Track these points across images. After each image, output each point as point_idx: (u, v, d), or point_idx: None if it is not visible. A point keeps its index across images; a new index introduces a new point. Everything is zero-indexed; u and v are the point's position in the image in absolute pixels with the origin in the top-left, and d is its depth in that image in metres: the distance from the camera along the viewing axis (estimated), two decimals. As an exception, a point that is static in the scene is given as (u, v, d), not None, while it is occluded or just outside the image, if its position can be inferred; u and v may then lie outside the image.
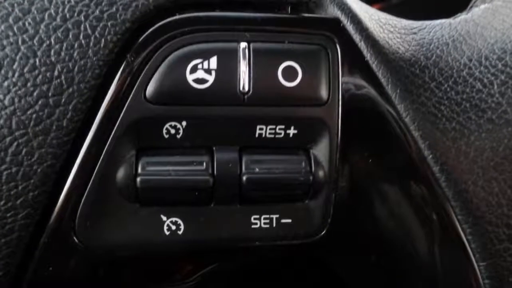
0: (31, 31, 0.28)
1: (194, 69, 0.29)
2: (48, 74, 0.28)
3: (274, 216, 0.32)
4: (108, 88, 0.29)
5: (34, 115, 0.28)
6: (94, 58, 0.28)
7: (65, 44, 0.28)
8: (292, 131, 0.31)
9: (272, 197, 0.32)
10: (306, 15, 0.32)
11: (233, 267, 0.37)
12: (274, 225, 0.32)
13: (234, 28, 0.30)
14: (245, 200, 0.31)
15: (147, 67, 0.29)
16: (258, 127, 0.31)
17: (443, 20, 0.36)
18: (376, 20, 0.34)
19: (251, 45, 0.30)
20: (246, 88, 0.30)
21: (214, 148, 0.31)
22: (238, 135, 0.31)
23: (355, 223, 0.34)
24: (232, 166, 0.30)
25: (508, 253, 0.33)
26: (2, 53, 0.28)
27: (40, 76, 0.28)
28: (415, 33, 0.35)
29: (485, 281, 0.33)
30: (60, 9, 0.28)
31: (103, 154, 0.29)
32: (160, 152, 0.30)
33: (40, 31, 0.28)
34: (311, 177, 0.31)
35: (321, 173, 0.31)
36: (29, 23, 0.28)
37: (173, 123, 0.30)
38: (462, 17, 0.36)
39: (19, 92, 0.28)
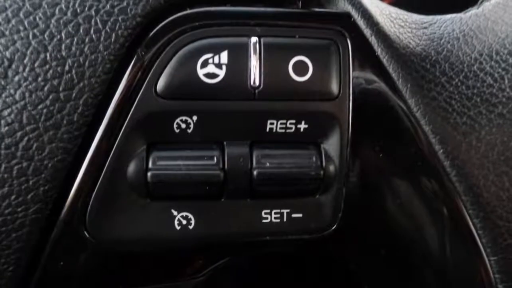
0: (42, 26, 0.28)
1: (205, 64, 0.29)
2: (59, 69, 0.28)
3: (285, 211, 0.32)
4: (119, 83, 0.29)
5: (45, 110, 0.28)
6: (105, 53, 0.28)
7: (75, 39, 0.28)
8: (303, 126, 0.31)
9: (283, 192, 0.32)
10: (317, 9, 0.32)
11: (243, 262, 0.37)
12: (285, 219, 0.32)
13: (245, 23, 0.30)
14: (256, 194, 0.31)
15: (157, 61, 0.29)
16: (269, 121, 0.31)
17: (453, 15, 0.36)
18: (387, 15, 0.34)
19: (262, 39, 0.30)
20: (257, 83, 0.30)
21: (224, 142, 0.31)
22: (249, 129, 0.31)
23: (366, 218, 0.34)
24: (243, 161, 0.30)
25: (519, 248, 0.33)
26: (13, 48, 0.28)
27: (51, 71, 0.28)
28: (425, 28, 0.35)
29: (496, 276, 0.33)
30: (71, 4, 0.28)
31: (113, 149, 0.29)
32: (171, 147, 0.30)
33: (51, 25, 0.28)
34: (321, 172, 0.31)
35: (331, 168, 0.31)
36: (40, 18, 0.28)
37: (183, 118, 0.30)
38: (473, 11, 0.35)
39: (29, 86, 0.28)
